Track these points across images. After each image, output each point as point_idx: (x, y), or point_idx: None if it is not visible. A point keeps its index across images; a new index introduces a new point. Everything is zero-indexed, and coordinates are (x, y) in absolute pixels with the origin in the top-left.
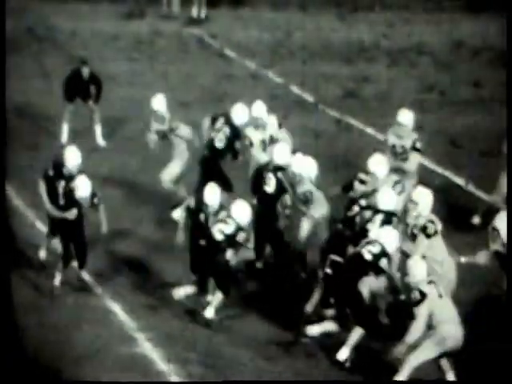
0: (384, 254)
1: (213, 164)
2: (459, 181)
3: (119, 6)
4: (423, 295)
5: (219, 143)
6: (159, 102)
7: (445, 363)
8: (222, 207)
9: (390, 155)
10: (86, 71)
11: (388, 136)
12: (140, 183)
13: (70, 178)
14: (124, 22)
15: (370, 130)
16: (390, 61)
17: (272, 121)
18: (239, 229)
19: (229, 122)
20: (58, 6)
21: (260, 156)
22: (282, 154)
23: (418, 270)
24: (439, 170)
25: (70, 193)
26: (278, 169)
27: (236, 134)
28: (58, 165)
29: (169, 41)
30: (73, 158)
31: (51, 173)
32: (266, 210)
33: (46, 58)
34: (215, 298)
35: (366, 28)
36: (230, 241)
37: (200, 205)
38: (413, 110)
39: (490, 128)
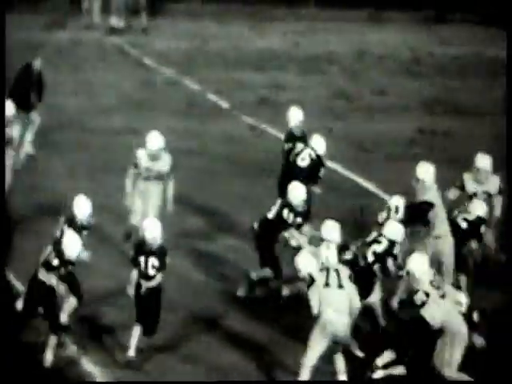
0: None
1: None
2: (368, 185)
3: (41, 16)
4: (312, 280)
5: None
6: (156, 141)
7: (340, 362)
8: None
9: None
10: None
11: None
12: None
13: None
14: (46, 33)
15: (283, 137)
16: (300, 69)
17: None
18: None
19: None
20: None
21: None
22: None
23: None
24: (348, 174)
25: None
26: None
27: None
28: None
29: (90, 50)
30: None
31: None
32: None
33: None
34: None
35: (277, 37)
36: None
37: None
38: (323, 116)
39: (395, 134)
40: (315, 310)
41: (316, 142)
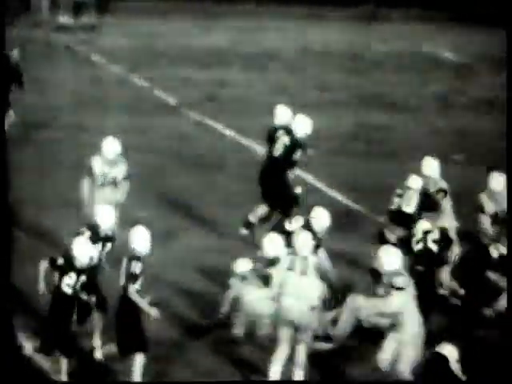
0: None
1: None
2: (309, 178)
3: None
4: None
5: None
6: (112, 147)
7: (299, 354)
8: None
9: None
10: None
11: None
12: None
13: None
14: None
15: (228, 132)
16: (244, 65)
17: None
18: None
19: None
20: None
21: None
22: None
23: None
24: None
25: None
26: None
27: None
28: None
29: (38, 47)
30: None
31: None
32: None
33: None
34: None
35: (221, 34)
36: None
37: None
38: (265, 113)
39: (336, 129)
40: (274, 290)
41: (299, 122)
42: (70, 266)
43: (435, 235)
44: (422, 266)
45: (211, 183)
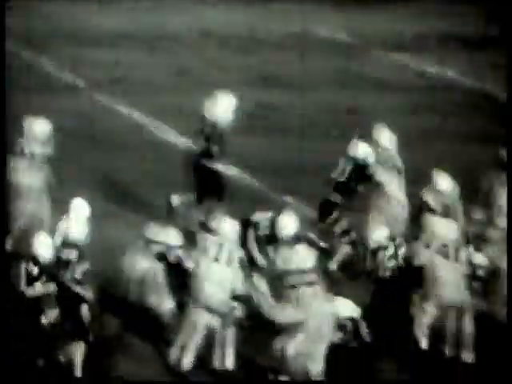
0: None
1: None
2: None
3: None
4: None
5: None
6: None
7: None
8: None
9: None
10: None
11: None
12: None
13: None
14: None
15: (136, 114)
16: (148, 47)
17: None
18: None
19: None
20: None
21: None
22: None
23: None
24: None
25: None
26: None
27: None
28: None
29: None
30: None
31: None
32: None
33: None
34: None
35: (125, 16)
36: None
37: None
38: (171, 93)
39: (236, 108)
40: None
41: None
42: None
43: (389, 251)
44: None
45: (118, 164)
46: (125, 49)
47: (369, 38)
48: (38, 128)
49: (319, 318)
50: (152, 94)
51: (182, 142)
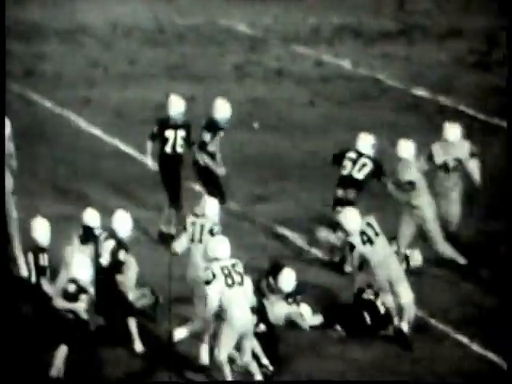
0: None
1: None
2: (125, 148)
3: None
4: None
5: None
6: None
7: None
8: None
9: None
10: None
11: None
12: None
13: None
14: None
15: (48, 104)
16: (59, 40)
17: None
18: None
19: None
20: None
21: None
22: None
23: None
24: (107, 138)
25: None
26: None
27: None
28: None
29: None
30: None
31: None
32: None
33: None
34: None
35: (36, 8)
36: None
37: None
38: (81, 85)
39: (146, 100)
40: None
41: (219, 107)
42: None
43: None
44: None
45: (34, 154)
46: (35, 40)
47: (268, 29)
48: None
49: None
50: (63, 86)
51: (92, 131)
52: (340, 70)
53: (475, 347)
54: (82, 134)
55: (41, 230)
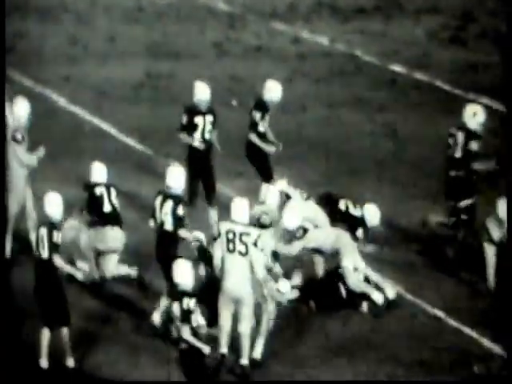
0: None
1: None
2: (104, 125)
3: None
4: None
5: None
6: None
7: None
8: None
9: None
10: None
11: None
12: None
13: None
14: None
15: (28, 83)
16: (38, 18)
17: None
18: None
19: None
20: None
21: None
22: None
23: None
24: (88, 116)
25: None
26: None
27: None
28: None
29: None
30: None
31: None
32: None
33: None
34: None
35: None
36: None
37: None
38: (60, 63)
39: (125, 78)
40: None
41: (270, 87)
42: None
43: None
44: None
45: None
46: (14, 19)
47: (245, 5)
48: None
49: None
50: (43, 64)
51: (72, 109)
52: (317, 47)
53: (451, 322)
54: (62, 111)
55: (53, 205)
